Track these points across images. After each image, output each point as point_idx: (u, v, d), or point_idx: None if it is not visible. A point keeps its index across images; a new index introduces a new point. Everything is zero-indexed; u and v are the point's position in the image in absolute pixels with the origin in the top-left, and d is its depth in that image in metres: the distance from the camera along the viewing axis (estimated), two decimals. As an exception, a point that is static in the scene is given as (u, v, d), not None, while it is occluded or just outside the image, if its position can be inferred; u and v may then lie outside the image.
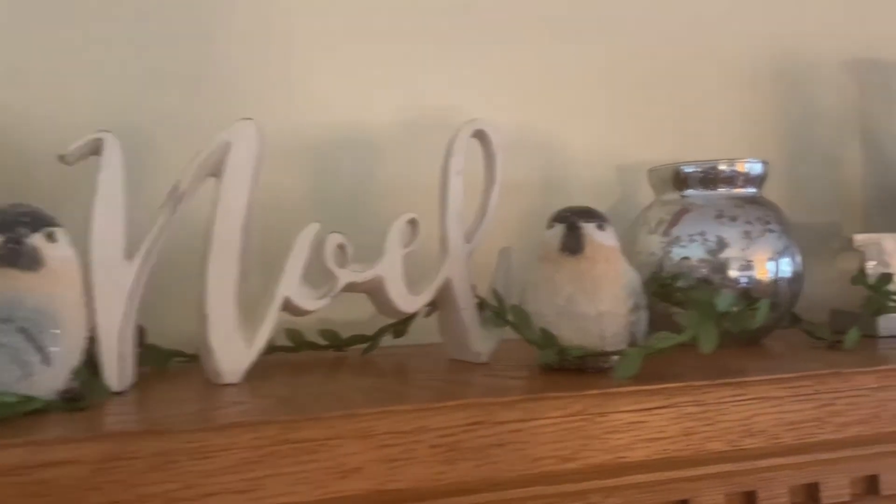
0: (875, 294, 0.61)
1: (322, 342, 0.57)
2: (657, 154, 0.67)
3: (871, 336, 0.59)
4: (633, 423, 0.40)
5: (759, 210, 0.58)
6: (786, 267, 0.57)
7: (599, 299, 0.45)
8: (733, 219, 0.56)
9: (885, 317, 0.60)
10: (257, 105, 0.60)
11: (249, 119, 0.47)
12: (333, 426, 0.35)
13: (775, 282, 0.56)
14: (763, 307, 0.46)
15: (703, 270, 0.55)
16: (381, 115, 0.65)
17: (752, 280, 0.56)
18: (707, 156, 0.63)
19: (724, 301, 0.44)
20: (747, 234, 0.55)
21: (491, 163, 0.53)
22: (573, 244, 0.45)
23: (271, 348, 0.54)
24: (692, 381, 0.42)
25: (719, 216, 0.56)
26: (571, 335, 0.45)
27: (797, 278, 0.58)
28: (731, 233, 0.55)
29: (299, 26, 0.64)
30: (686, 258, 0.56)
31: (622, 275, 0.46)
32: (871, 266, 0.63)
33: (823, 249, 0.74)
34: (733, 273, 0.55)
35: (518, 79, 0.69)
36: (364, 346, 0.56)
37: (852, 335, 0.53)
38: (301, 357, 0.57)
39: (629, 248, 0.59)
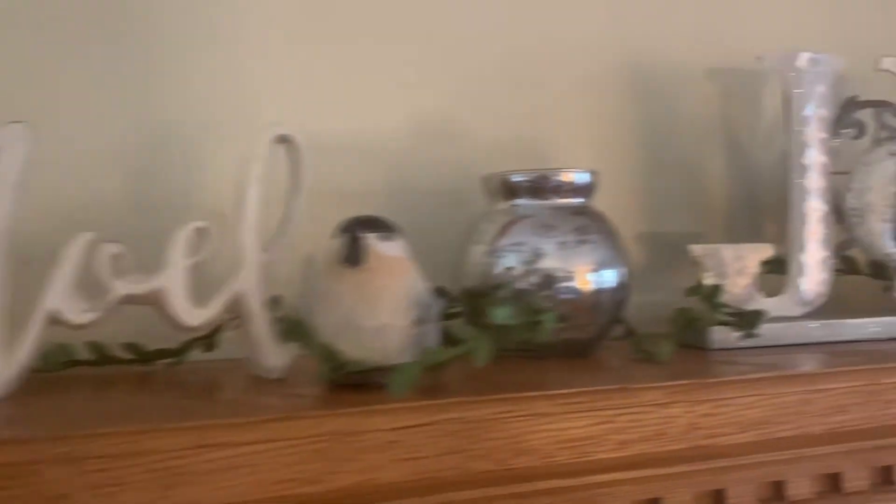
0: (707, 305, 0.61)
1: (127, 356, 0.54)
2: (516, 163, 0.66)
3: (702, 349, 0.59)
4: (391, 442, 0.39)
5: (581, 220, 0.56)
6: (609, 278, 0.57)
7: (380, 312, 0.43)
8: (550, 229, 0.55)
9: (717, 329, 0.60)
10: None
11: (19, 122, 0.45)
12: (36, 450, 0.33)
13: (598, 293, 0.55)
14: (548, 320, 0.45)
15: (526, 282, 0.55)
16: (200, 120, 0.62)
17: (574, 291, 0.55)
18: (560, 165, 0.63)
19: (500, 314, 0.43)
20: (563, 245, 0.54)
21: (296, 169, 0.51)
22: (352, 255, 0.43)
23: (72, 362, 0.52)
24: (460, 398, 0.41)
25: (539, 227, 0.55)
26: (353, 349, 0.43)
27: (622, 289, 0.57)
28: (547, 244, 0.54)
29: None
30: (509, 268, 0.55)
31: (406, 287, 0.44)
32: (709, 277, 0.63)
33: (682, 260, 0.74)
34: (556, 285, 0.55)
35: (355, 82, 0.66)
36: (170, 360, 0.54)
37: (664, 348, 0.52)
38: (108, 371, 0.53)
39: (460, 259, 0.59)
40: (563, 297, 0.54)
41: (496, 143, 0.70)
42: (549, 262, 0.54)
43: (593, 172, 0.59)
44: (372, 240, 0.44)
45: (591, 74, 0.74)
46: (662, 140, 0.76)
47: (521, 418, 0.41)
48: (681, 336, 0.55)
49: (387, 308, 0.43)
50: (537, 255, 0.54)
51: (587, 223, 0.57)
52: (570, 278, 0.54)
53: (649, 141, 0.76)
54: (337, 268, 0.44)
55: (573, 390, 0.42)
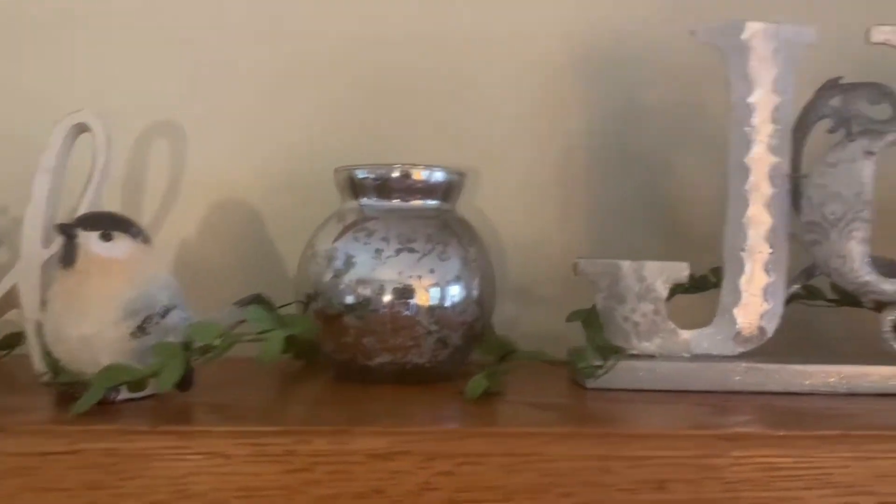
0: (594, 334, 0.50)
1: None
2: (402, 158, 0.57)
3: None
4: (25, 468, 0.35)
5: (430, 226, 0.48)
6: (456, 294, 0.48)
7: (85, 320, 0.39)
8: (369, 234, 0.47)
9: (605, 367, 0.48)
10: None
11: None
12: None
13: (433, 309, 0.47)
14: (272, 341, 0.38)
15: (348, 292, 0.47)
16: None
17: (403, 307, 0.46)
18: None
19: (196, 332, 0.37)
20: (378, 253, 0.46)
21: (96, 158, 0.48)
22: (64, 256, 0.39)
23: None
24: (121, 425, 0.36)
25: (358, 231, 0.47)
26: (66, 359, 0.40)
27: (470, 306, 0.48)
28: (361, 250, 0.46)
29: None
30: (336, 276, 0.48)
31: (121, 292, 0.39)
32: (601, 299, 0.51)
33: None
34: (387, 297, 0.47)
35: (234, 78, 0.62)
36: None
37: (475, 385, 0.43)
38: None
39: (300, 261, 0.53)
40: (384, 312, 0.46)
41: (417, 140, 0.63)
42: (374, 273, 0.46)
43: (456, 172, 0.51)
44: (87, 239, 0.40)
45: (535, 62, 0.64)
46: (621, 134, 0.64)
47: (191, 456, 0.35)
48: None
49: (95, 316, 0.39)
50: (350, 263, 0.47)
51: (435, 231, 0.48)
52: (408, 292, 0.46)
53: (606, 135, 0.64)
54: (58, 269, 0.41)
55: (269, 429, 0.36)
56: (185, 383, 0.40)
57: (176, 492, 0.34)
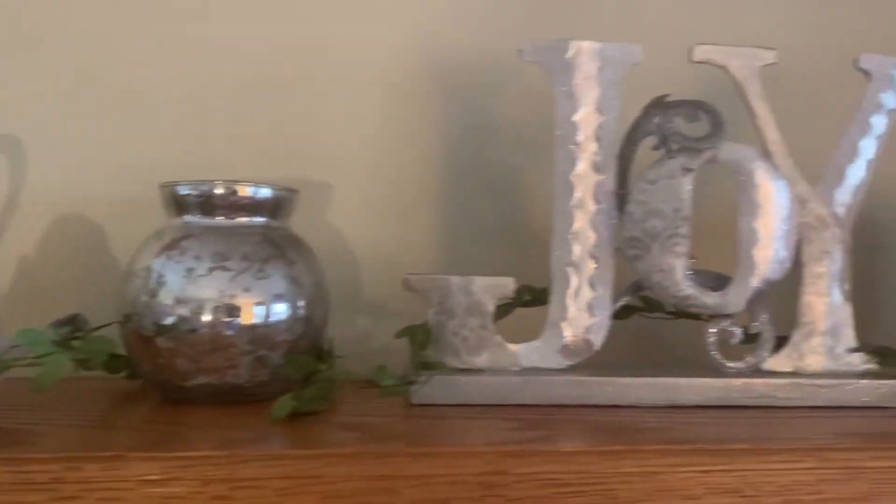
0: (415, 351, 0.50)
1: None
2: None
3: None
4: None
5: (251, 245, 0.47)
6: (279, 313, 0.47)
7: None
8: (183, 253, 0.46)
9: (425, 381, 0.48)
10: None
11: None
12: None
13: (249, 329, 0.46)
14: (52, 366, 0.37)
15: (171, 313, 0.46)
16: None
17: (223, 326, 0.45)
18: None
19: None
20: (190, 272, 0.46)
21: None
22: None
23: None
24: None
25: (173, 250, 0.46)
26: None
27: (295, 324, 0.48)
28: (173, 269, 0.46)
29: None
30: (149, 296, 0.47)
31: None
32: (433, 315, 0.51)
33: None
34: (200, 317, 0.46)
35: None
36: None
37: (280, 405, 0.43)
38: None
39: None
40: (197, 332, 0.45)
41: (263, 157, 0.62)
42: (185, 292, 0.45)
43: (285, 189, 0.51)
44: None
45: (386, 77, 0.64)
46: (475, 148, 0.65)
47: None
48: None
49: None
50: (161, 282, 0.46)
51: (254, 249, 0.47)
52: (211, 311, 0.45)
53: (460, 149, 0.65)
54: None
55: (33, 456, 0.35)
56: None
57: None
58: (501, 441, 0.41)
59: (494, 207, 0.65)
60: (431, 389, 0.49)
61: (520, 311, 0.56)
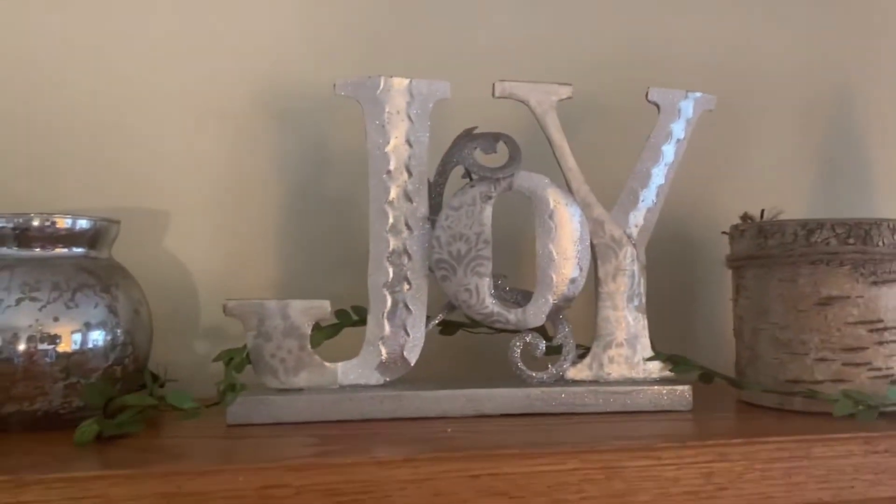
0: (229, 371, 0.52)
1: None
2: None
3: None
4: None
5: (58, 275, 0.49)
6: (90, 339, 0.48)
7: None
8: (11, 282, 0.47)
9: (238, 401, 0.50)
10: None
11: None
12: None
13: (61, 356, 0.47)
14: None
15: None
16: None
17: (31, 354, 0.47)
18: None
19: None
20: (20, 302, 0.47)
21: None
22: None
23: None
24: None
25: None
26: None
27: (112, 350, 0.49)
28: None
29: None
30: None
31: None
32: (252, 338, 0.54)
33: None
34: (7, 347, 0.47)
35: None
36: None
37: (83, 430, 0.44)
38: None
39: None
40: (4, 362, 0.46)
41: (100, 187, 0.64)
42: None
43: (105, 220, 0.53)
44: None
45: (209, 97, 0.66)
46: (303, 176, 0.68)
47: None
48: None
49: None
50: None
51: (66, 278, 0.49)
52: (19, 340, 0.47)
53: (291, 178, 0.68)
54: None
55: None
56: None
57: None
58: (291, 456, 0.43)
59: (331, 233, 0.68)
60: (247, 410, 0.51)
61: (352, 331, 0.59)
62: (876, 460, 0.48)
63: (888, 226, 0.55)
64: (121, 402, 0.45)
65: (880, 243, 0.55)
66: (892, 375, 0.55)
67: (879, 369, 0.55)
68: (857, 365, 0.54)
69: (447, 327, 0.62)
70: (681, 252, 0.74)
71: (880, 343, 0.55)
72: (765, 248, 0.57)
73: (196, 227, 0.65)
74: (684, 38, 0.76)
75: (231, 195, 0.66)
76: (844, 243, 0.54)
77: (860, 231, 0.55)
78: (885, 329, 0.54)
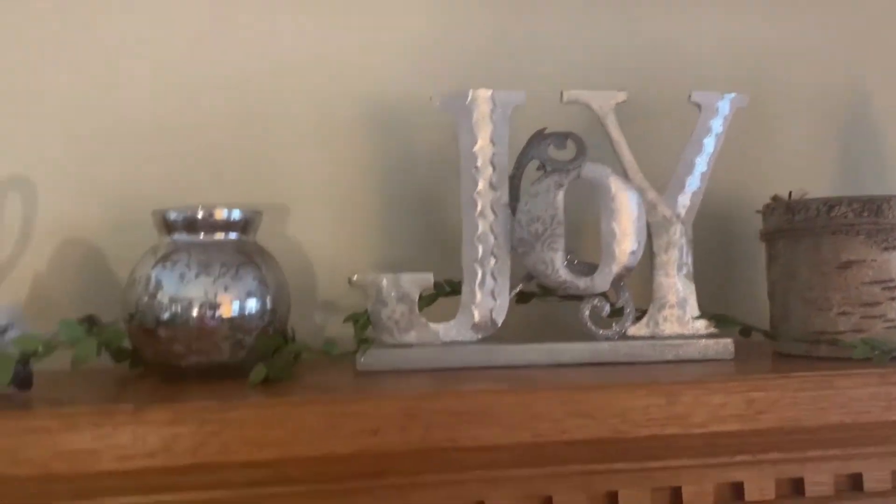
0: (357, 331, 0.64)
1: None
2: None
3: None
4: None
5: (228, 255, 0.62)
6: (251, 307, 0.61)
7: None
8: (174, 263, 0.60)
9: (366, 352, 0.63)
10: None
11: None
12: None
13: (229, 319, 0.60)
14: (82, 346, 0.51)
15: (168, 309, 0.60)
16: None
17: (209, 318, 0.60)
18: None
19: (20, 342, 0.49)
20: (182, 277, 0.60)
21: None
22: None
23: None
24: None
25: (166, 261, 0.61)
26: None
27: (264, 315, 0.62)
28: (167, 276, 0.60)
29: None
30: (149, 297, 0.60)
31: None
32: (372, 304, 0.66)
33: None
34: (190, 311, 0.60)
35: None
36: None
37: (256, 373, 0.57)
38: None
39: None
40: (188, 323, 0.59)
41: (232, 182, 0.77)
42: (178, 293, 0.59)
43: (252, 211, 0.65)
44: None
45: (323, 109, 0.79)
46: (400, 174, 0.80)
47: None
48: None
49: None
50: (159, 286, 0.60)
51: (229, 257, 0.62)
52: (199, 307, 0.59)
53: (391, 174, 0.81)
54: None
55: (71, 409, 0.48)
56: (22, 383, 0.52)
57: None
58: (418, 388, 0.56)
59: (423, 220, 0.80)
60: (373, 359, 0.64)
61: (444, 299, 0.71)
62: (888, 390, 0.58)
63: (897, 201, 0.66)
64: (286, 350, 0.58)
65: (890, 215, 0.65)
66: (904, 326, 0.66)
67: (892, 320, 0.65)
68: (874, 317, 0.65)
69: (522, 297, 0.73)
70: (723, 228, 0.86)
71: (892, 299, 0.65)
72: (792, 223, 0.68)
73: (314, 218, 0.78)
74: (717, 41, 0.88)
75: (342, 191, 0.79)
76: (860, 216, 0.65)
77: (873, 206, 0.65)
78: (896, 287, 0.65)
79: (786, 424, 0.57)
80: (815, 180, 0.89)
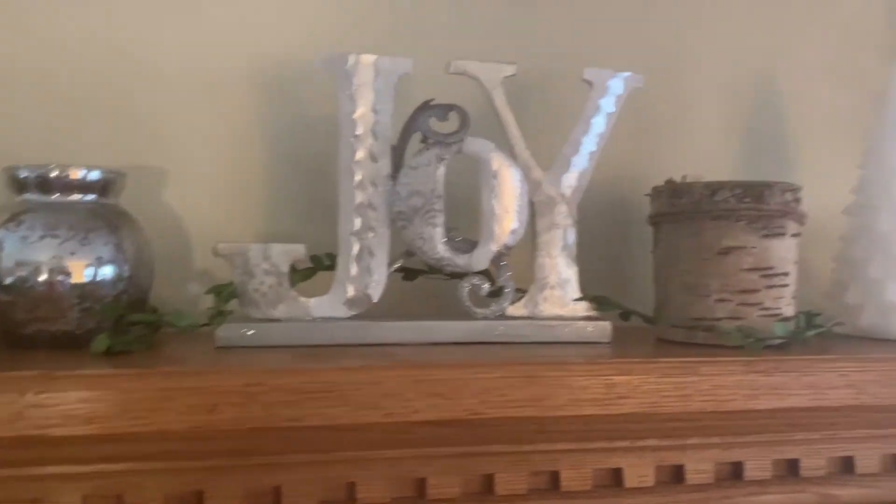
0: (218, 304, 0.62)
1: None
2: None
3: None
4: None
5: (79, 218, 0.58)
6: (103, 274, 0.58)
7: None
8: (19, 224, 0.57)
9: (224, 326, 0.60)
10: None
11: None
12: None
13: (76, 286, 0.57)
14: None
15: (11, 273, 0.56)
16: None
17: (53, 284, 0.56)
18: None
19: None
20: (24, 240, 0.56)
21: None
22: None
23: None
24: None
25: (11, 222, 0.57)
26: None
27: (118, 283, 0.58)
28: (10, 237, 0.56)
29: None
30: None
31: None
32: (237, 275, 0.63)
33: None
34: (34, 277, 0.56)
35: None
36: None
37: (98, 342, 0.54)
38: None
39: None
40: (31, 289, 0.56)
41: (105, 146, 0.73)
42: (21, 256, 0.56)
43: (113, 172, 0.62)
44: None
45: (206, 70, 0.75)
46: (290, 140, 0.77)
47: None
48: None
49: None
50: (1, 248, 0.57)
51: (79, 221, 0.58)
52: (44, 272, 0.56)
53: (279, 140, 0.77)
54: None
55: None
56: None
57: None
58: (267, 363, 0.53)
59: (310, 189, 0.77)
60: (232, 334, 0.61)
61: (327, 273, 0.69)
62: (753, 378, 0.58)
63: (779, 188, 0.65)
64: (128, 320, 0.55)
65: (771, 202, 0.64)
66: (780, 314, 0.65)
67: (769, 309, 0.65)
68: (751, 305, 0.65)
69: (409, 273, 0.71)
70: (615, 210, 0.84)
71: (770, 287, 0.65)
72: (677, 206, 0.67)
73: (193, 182, 0.75)
74: (621, 21, 0.86)
75: (226, 155, 0.75)
76: (741, 202, 0.64)
77: (755, 192, 0.64)
78: (775, 275, 0.65)
79: (648, 410, 0.57)
80: (721, 165, 0.88)
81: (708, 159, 0.87)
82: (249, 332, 0.60)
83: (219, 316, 0.59)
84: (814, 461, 0.61)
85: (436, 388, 0.53)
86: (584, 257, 0.70)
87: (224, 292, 0.61)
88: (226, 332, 0.61)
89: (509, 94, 0.68)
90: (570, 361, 0.56)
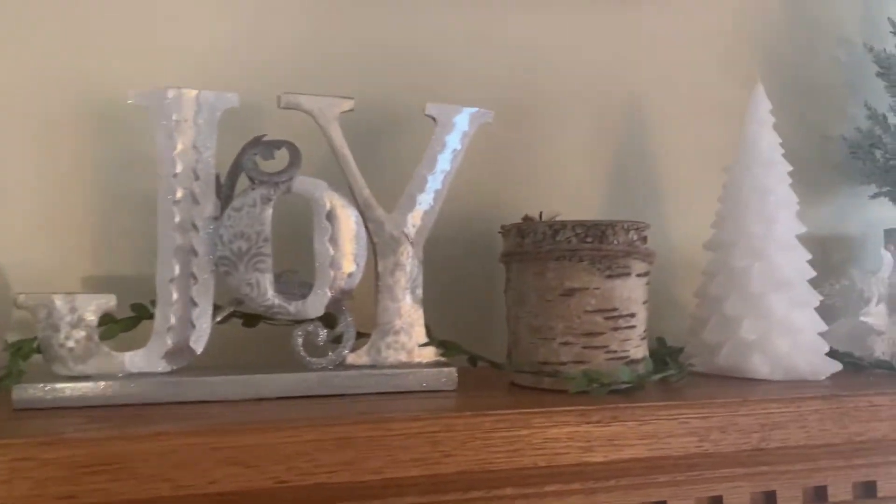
0: (14, 358, 0.57)
1: None
2: None
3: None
4: None
5: None
6: None
7: None
8: None
9: (20, 386, 0.55)
10: None
11: None
12: None
13: None
14: None
15: None
16: None
17: None
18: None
19: None
20: None
21: None
22: None
23: None
24: None
25: None
26: None
27: None
28: None
29: None
30: None
31: None
32: (41, 329, 0.58)
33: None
34: None
35: None
36: None
37: None
38: None
39: None
40: None
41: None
42: None
43: None
44: None
45: (41, 112, 0.70)
46: (119, 176, 0.72)
47: None
48: None
49: None
50: None
51: None
52: None
53: (106, 177, 0.71)
54: None
55: None
56: None
57: None
58: (56, 432, 0.47)
59: (142, 228, 0.70)
60: (32, 394, 0.55)
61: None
62: (588, 429, 0.55)
63: (622, 227, 0.63)
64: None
65: (615, 241, 0.62)
66: (626, 357, 0.63)
67: (615, 352, 0.63)
68: (596, 348, 0.62)
69: (248, 319, 0.67)
70: (469, 249, 0.81)
71: (615, 329, 0.63)
72: (522, 246, 0.64)
73: (13, 222, 0.69)
74: (470, 45, 0.83)
75: (50, 195, 0.70)
76: (583, 241, 0.62)
77: (597, 231, 0.62)
78: (619, 317, 0.63)
79: (475, 467, 0.54)
80: (587, 200, 0.86)
81: (573, 194, 0.86)
82: (46, 389, 0.55)
83: (11, 375, 0.54)
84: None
85: (236, 455, 0.48)
86: (445, 299, 0.67)
87: (24, 348, 0.56)
88: (25, 393, 0.55)
89: (357, 131, 0.65)
90: (389, 419, 0.52)
